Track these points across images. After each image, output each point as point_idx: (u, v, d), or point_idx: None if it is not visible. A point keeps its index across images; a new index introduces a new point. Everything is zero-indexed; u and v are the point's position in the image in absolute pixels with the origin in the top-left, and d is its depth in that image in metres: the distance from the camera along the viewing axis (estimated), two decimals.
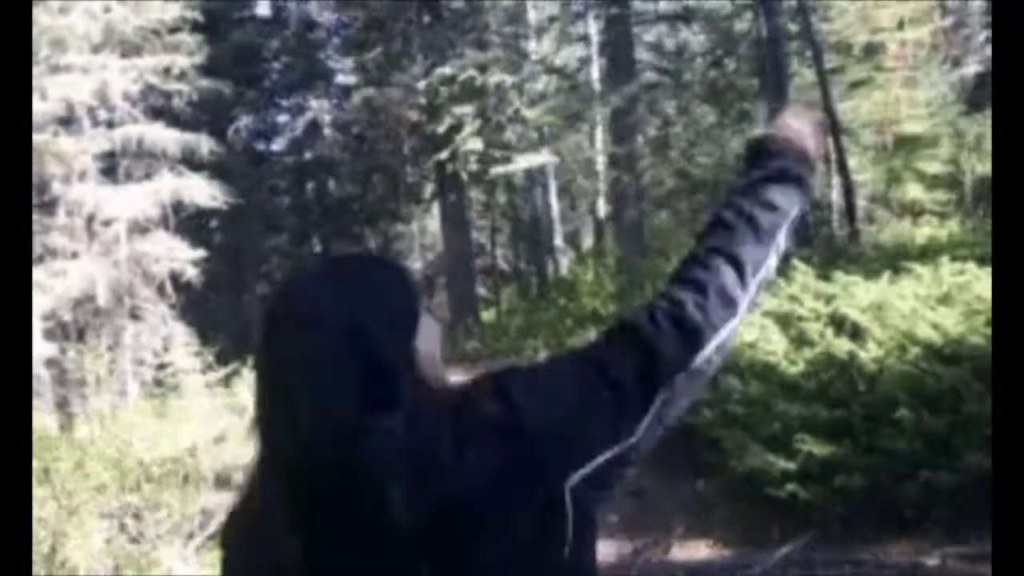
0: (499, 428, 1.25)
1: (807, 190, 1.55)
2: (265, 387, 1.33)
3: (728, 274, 1.42)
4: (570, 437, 1.28)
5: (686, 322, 1.38)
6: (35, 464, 6.54)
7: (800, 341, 7.54)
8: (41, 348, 11.92)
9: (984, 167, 14.76)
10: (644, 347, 1.35)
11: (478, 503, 1.22)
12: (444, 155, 14.35)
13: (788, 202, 1.50)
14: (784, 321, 7.95)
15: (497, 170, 14.69)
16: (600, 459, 1.29)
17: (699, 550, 6.53)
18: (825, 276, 8.71)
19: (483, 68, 14.18)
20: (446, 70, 14.17)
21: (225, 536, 1.44)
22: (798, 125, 1.60)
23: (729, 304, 1.41)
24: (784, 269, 9.07)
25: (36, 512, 6.32)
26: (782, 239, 1.49)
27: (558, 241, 17.87)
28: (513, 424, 1.25)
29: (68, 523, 6.50)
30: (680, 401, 1.38)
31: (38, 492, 6.51)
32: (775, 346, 7.54)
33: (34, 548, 6.22)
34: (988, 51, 17.59)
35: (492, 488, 1.23)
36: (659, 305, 1.40)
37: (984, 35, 18.94)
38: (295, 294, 1.37)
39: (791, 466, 6.29)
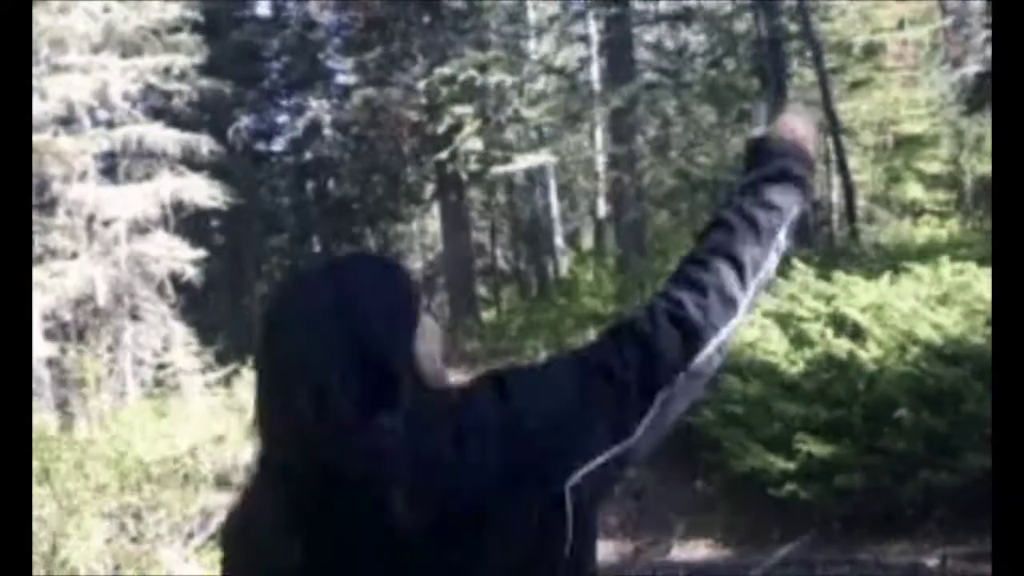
0: (499, 428, 1.25)
1: (807, 190, 1.54)
2: (265, 386, 1.33)
3: (728, 274, 1.41)
4: (570, 437, 1.27)
5: (686, 322, 1.37)
6: (35, 464, 6.54)
7: (800, 341, 7.53)
8: (41, 348, 11.93)
9: (984, 167, 14.76)
10: (644, 347, 1.35)
11: (478, 503, 1.22)
12: (444, 155, 14.33)
13: (788, 201, 1.50)
14: (784, 321, 7.94)
15: (497, 170, 14.67)
16: (600, 459, 1.28)
17: (699, 550, 6.54)
18: (825, 276, 8.70)
19: (483, 68, 14.17)
20: (446, 70, 14.16)
21: (224, 536, 1.43)
22: (796, 124, 1.60)
23: (729, 304, 1.41)
24: (784, 269, 9.07)
25: (35, 512, 6.32)
26: (782, 239, 1.48)
27: (558, 241, 17.86)
28: (513, 424, 1.25)
29: (68, 523, 6.50)
30: (680, 401, 1.38)
31: (38, 492, 6.51)
32: (775, 346, 7.53)
33: (34, 548, 6.21)
34: (988, 51, 17.58)
35: (493, 488, 1.22)
36: (658, 304, 1.39)
37: (984, 35, 18.93)
38: (294, 294, 1.37)
39: (791, 466, 6.29)
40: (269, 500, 1.31)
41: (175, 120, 14.46)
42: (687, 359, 1.37)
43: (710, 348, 1.39)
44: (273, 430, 1.31)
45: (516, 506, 1.23)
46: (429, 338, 1.36)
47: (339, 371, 1.26)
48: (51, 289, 12.54)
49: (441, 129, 14.24)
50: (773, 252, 1.47)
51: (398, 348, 1.31)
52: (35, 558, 6.19)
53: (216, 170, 14.37)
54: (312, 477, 1.26)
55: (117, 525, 7.12)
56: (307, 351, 1.28)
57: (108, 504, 7.11)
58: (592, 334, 11.43)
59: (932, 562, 5.52)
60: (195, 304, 15.27)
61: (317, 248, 20.26)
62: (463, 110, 14.09)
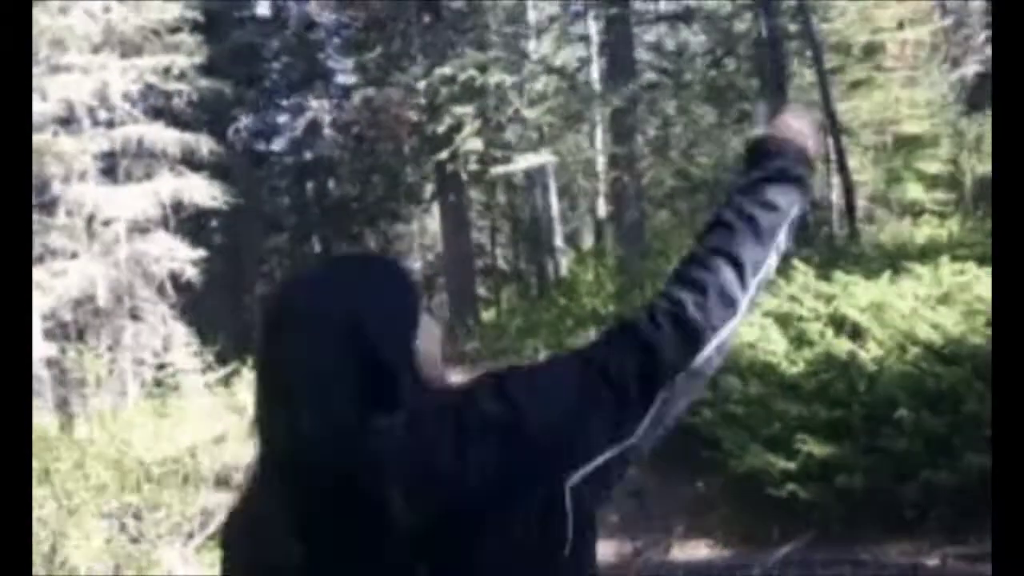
0: (499, 428, 1.25)
1: (807, 190, 1.55)
2: (265, 386, 1.34)
3: (728, 273, 1.42)
4: (570, 437, 1.28)
5: (686, 322, 1.38)
6: (35, 464, 6.54)
7: (800, 341, 7.53)
8: (41, 348, 11.93)
9: (984, 167, 14.79)
10: (644, 347, 1.35)
11: (478, 503, 1.23)
12: (444, 155, 14.34)
13: (787, 202, 1.50)
14: (784, 321, 7.94)
15: (497, 170, 14.69)
16: (600, 459, 1.29)
17: (699, 550, 6.53)
18: (825, 276, 8.71)
19: (483, 68, 14.18)
20: (446, 70, 14.17)
21: (225, 536, 1.44)
22: (797, 125, 1.60)
23: (729, 304, 1.41)
24: (784, 269, 9.08)
25: (36, 512, 6.32)
26: (782, 239, 1.49)
27: (558, 241, 17.87)
28: (513, 424, 1.26)
29: (68, 523, 6.51)
30: (680, 401, 1.38)
31: (38, 492, 6.51)
32: (775, 346, 7.53)
33: (34, 548, 6.22)
34: (988, 51, 17.60)
35: (492, 488, 1.23)
36: (659, 305, 1.40)
37: (984, 35, 18.95)
38: (295, 293, 1.39)
39: (791, 466, 6.28)
40: (269, 500, 1.32)
41: (175, 120, 14.46)
42: (687, 359, 1.37)
43: (710, 349, 1.39)
44: (273, 430, 1.32)
45: (516, 506, 1.24)
46: (429, 338, 1.37)
47: (338, 370, 1.27)
48: (51, 289, 12.53)
49: (441, 129, 14.24)
50: (773, 252, 1.48)
51: (398, 348, 1.32)
52: (35, 558, 6.19)
53: (216, 170, 14.37)
54: (311, 477, 1.27)
55: (117, 525, 7.13)
56: (306, 351, 1.29)
57: (108, 504, 7.12)
58: (592, 334, 11.46)
59: (932, 562, 5.52)
60: (195, 304, 15.27)
61: (317, 248, 20.27)
62: (463, 110, 14.10)
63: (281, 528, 1.29)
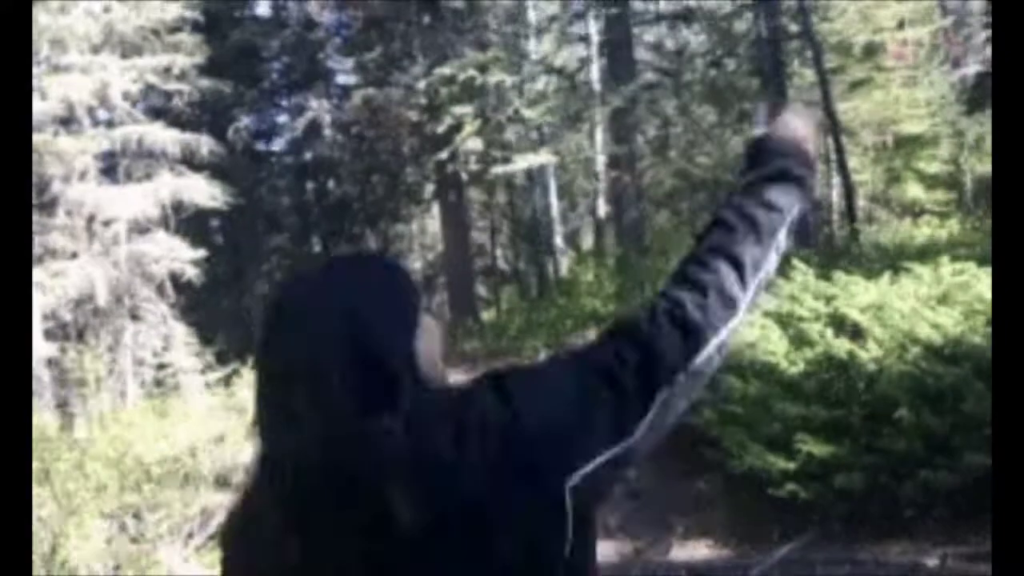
0: (499, 429, 1.25)
1: (807, 190, 1.55)
2: (264, 387, 1.34)
3: (728, 274, 1.42)
4: (570, 437, 1.27)
5: (686, 322, 1.37)
6: (36, 464, 6.54)
7: (800, 341, 7.53)
8: (41, 348, 11.92)
9: (984, 167, 14.78)
10: (644, 347, 1.35)
11: (478, 503, 1.22)
12: (444, 155, 14.34)
13: (787, 202, 1.50)
14: (784, 321, 7.94)
15: (497, 170, 14.68)
16: (600, 459, 1.28)
17: (700, 549, 6.55)
18: (825, 276, 8.70)
19: (483, 68, 14.17)
20: (446, 70, 14.17)
21: (224, 536, 1.43)
22: (797, 125, 1.60)
23: (729, 304, 1.41)
24: (784, 269, 9.07)
25: (36, 512, 6.33)
26: (782, 239, 1.49)
27: (558, 241, 17.86)
28: (513, 425, 1.25)
29: (68, 523, 6.51)
30: (680, 401, 1.38)
31: (38, 492, 6.52)
32: (775, 346, 7.53)
33: (35, 548, 6.22)
34: (988, 51, 17.59)
35: (492, 489, 1.23)
36: (659, 305, 1.40)
37: (984, 35, 18.94)
38: (294, 294, 1.38)
39: (791, 466, 6.29)
40: (269, 500, 1.31)
41: (175, 120, 14.46)
42: (687, 359, 1.37)
43: (710, 348, 1.39)
44: (273, 429, 1.32)
45: (516, 506, 1.24)
46: (429, 338, 1.36)
47: (339, 372, 1.26)
48: (51, 289, 12.53)
49: (441, 129, 14.24)
50: (773, 252, 1.47)
51: (398, 348, 1.31)
52: (35, 558, 6.20)
53: (216, 170, 14.35)
54: (311, 477, 1.26)
55: (117, 525, 7.13)
56: (307, 351, 1.29)
57: (108, 504, 7.12)
58: (592, 334, 11.46)
59: (932, 561, 5.53)
60: (195, 304, 15.26)
61: (317, 248, 20.28)
62: (463, 110, 14.10)
63: (280, 529, 1.28)
